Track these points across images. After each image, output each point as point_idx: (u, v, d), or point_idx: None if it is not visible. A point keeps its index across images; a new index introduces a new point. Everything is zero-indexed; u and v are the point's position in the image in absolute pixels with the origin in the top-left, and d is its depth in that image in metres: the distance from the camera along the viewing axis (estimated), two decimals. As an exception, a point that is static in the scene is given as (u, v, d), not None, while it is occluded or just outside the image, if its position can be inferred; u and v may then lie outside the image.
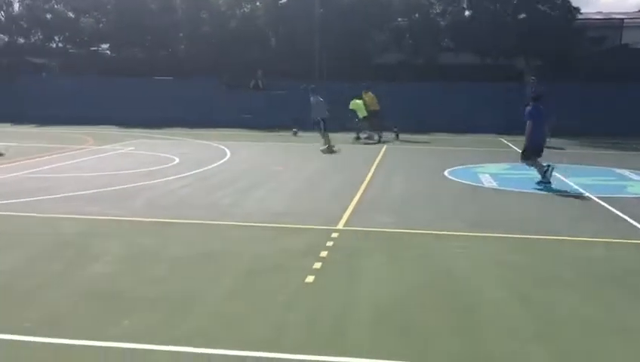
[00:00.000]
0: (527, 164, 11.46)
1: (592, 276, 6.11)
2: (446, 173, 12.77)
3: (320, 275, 5.85)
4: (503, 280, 5.86)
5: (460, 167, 13.68)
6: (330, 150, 16.72)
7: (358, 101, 19.72)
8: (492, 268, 6.26)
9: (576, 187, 11.09)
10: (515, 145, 17.59)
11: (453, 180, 11.92)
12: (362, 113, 19.61)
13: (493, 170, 13.37)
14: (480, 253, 6.82)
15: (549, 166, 11.13)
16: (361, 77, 25.87)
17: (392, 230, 7.73)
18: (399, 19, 28.50)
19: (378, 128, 19.86)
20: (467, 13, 28.57)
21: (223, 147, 17.22)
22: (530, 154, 11.18)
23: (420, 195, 10.35)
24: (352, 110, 19.72)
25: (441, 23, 28.15)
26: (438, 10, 28.57)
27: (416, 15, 28.01)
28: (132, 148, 16.94)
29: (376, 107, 19.89)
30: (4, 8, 31.14)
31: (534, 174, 11.41)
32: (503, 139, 20.54)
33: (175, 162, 13.99)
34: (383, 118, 20.15)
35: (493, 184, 11.47)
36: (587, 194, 10.44)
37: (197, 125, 23.48)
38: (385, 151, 17.18)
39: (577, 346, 4.48)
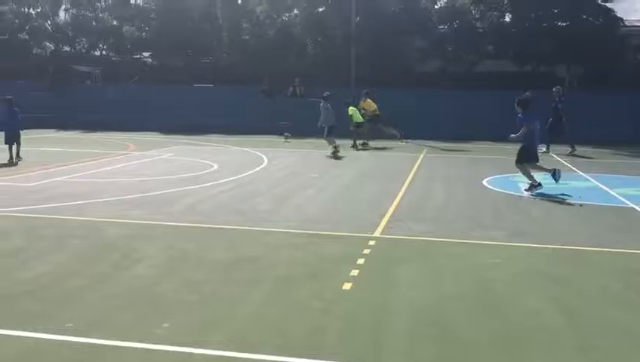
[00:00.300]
0: (520, 170, 11.43)
1: (638, 289, 5.94)
2: (485, 181, 12.60)
3: (357, 282, 5.84)
4: (545, 292, 5.74)
5: (500, 175, 13.47)
6: (335, 156, 16.96)
7: (353, 108, 20.04)
8: (533, 279, 6.15)
9: (620, 198, 10.80)
10: (555, 154, 17.26)
11: (492, 189, 11.75)
12: (357, 119, 19.91)
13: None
14: (520, 264, 6.70)
15: (555, 170, 11.21)
16: (400, 85, 25.85)
17: (430, 239, 7.66)
18: (439, 26, 28.35)
19: (380, 132, 20.22)
20: (507, 19, 28.24)
21: (260, 154, 17.37)
22: (524, 160, 11.25)
23: (458, 204, 10.24)
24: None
25: (481, 29, 27.87)
26: (477, 16, 28.31)
27: (457, 22, 27.81)
28: (172, 154, 17.24)
29: (376, 112, 20.24)
30: (51, 17, 32.18)
31: (576, 184, 11.16)
32: (543, 148, 20.13)
33: (214, 168, 14.17)
34: (384, 123, 20.44)
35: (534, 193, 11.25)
36: (632, 205, 10.15)
37: (235, 132, 23.73)
38: (422, 158, 17.06)
39: (622, 361, 4.36)
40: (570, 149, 18.40)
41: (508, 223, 8.76)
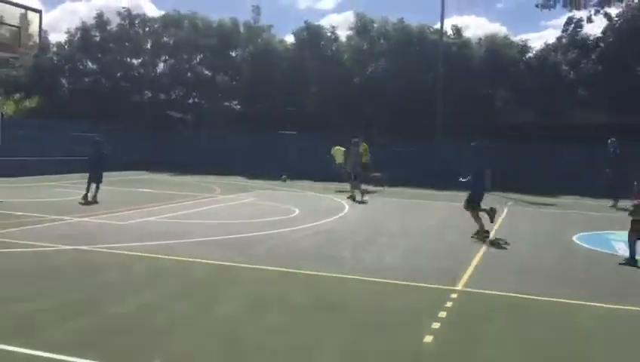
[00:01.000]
0: (469, 210, 11.87)
1: None
2: (575, 238, 12.06)
3: (439, 336, 5.71)
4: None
5: (591, 232, 12.86)
6: (354, 198, 17.53)
7: (338, 148, 21.15)
8: (635, 347, 5.76)
9: None
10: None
11: (582, 246, 11.22)
12: (339, 159, 20.88)
13: (629, 237, 12.38)
14: (618, 328, 6.31)
15: (491, 208, 11.86)
16: (485, 136, 25.47)
17: (516, 295, 7.38)
18: (527, 78, 27.90)
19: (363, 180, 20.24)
20: (599, 67, 27.37)
21: (341, 201, 17.51)
22: (472, 203, 11.80)
23: (545, 260, 9.84)
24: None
25: (572, 77, 27.13)
26: (566, 67, 27.65)
27: (546, 74, 27.27)
28: (255, 198, 17.72)
29: (364, 159, 20.55)
30: (151, 68, 34.49)
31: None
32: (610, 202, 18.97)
33: (295, 213, 14.42)
34: (368, 170, 20.86)
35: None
36: None
37: (318, 178, 24.09)
38: (507, 211, 16.59)
39: None
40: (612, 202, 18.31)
41: (601, 283, 8.30)
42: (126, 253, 9.07)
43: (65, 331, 5.52)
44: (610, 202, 18.48)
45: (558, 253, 10.53)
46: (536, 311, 6.85)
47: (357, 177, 18.13)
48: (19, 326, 5.58)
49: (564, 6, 28.86)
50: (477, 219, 11.61)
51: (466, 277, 8.17)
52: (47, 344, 5.08)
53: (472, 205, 11.78)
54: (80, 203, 14.90)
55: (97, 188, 15.55)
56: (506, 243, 11.25)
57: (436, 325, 6.02)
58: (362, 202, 17.35)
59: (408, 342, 5.55)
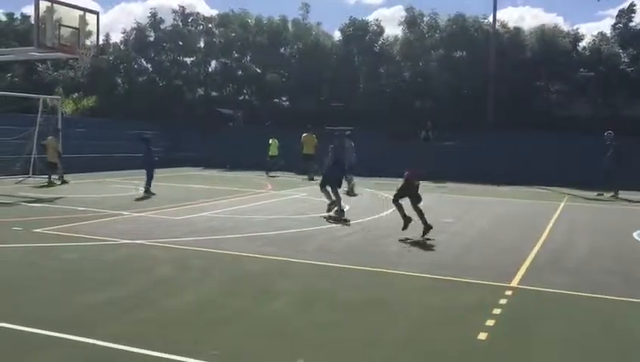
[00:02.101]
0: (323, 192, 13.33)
1: None
2: (635, 234, 11.62)
3: (493, 333, 5.61)
4: None
5: (653, 228, 12.36)
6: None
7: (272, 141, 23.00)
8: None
9: None
10: None
11: (644, 243, 10.80)
12: (273, 152, 22.88)
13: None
14: (679, 327, 6.06)
15: (342, 210, 13.07)
16: (539, 129, 24.87)
17: (573, 293, 7.18)
18: (581, 70, 27.01)
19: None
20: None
21: (390, 196, 17.38)
22: (327, 184, 13.27)
23: (604, 257, 9.52)
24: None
25: (632, 72, 26.10)
26: (626, 60, 26.61)
27: (602, 67, 26.33)
28: (305, 194, 17.81)
29: (311, 151, 21.98)
30: (204, 66, 35.16)
31: None
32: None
33: (345, 209, 14.40)
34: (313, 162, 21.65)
35: (695, 250, 10.18)
36: None
37: (368, 174, 24.01)
38: (563, 206, 16.14)
39: None
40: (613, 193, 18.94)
41: (663, 281, 7.98)
42: (179, 247, 9.29)
43: (123, 323, 5.72)
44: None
45: (616, 249, 10.17)
46: (591, 309, 6.64)
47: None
48: (79, 317, 5.82)
49: None
50: (333, 195, 13.26)
51: (521, 274, 8.00)
52: (106, 335, 5.27)
53: (324, 186, 13.41)
54: (137, 199, 15.35)
55: (149, 182, 16.18)
56: (564, 239, 10.94)
57: (490, 322, 5.92)
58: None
59: (462, 338, 5.48)
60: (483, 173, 23.24)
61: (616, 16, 28.03)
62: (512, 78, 26.11)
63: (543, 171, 22.80)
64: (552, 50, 27.07)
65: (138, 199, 15.33)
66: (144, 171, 16.68)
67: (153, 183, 16.51)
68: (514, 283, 7.55)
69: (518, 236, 11.26)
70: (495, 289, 7.22)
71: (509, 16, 48.78)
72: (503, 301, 6.70)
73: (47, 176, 19.08)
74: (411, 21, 30.61)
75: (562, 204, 16.77)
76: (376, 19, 31.99)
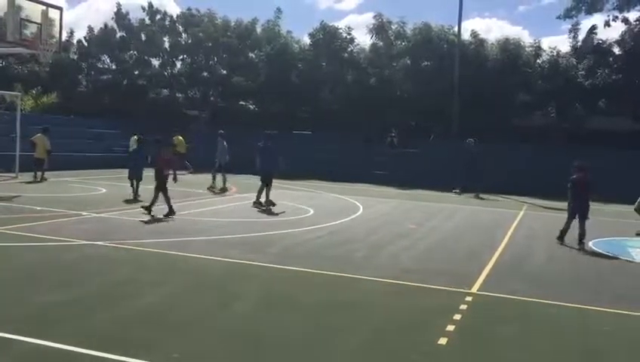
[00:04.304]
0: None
1: None
2: (591, 243, 11.96)
3: (453, 338, 5.71)
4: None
5: (607, 238, 12.74)
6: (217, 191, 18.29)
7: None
8: (645, 351, 5.74)
9: None
10: None
11: (598, 251, 11.12)
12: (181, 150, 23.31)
13: (646, 243, 12.29)
14: (630, 334, 6.27)
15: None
16: (502, 138, 25.40)
17: (530, 299, 7.36)
18: (539, 82, 27.72)
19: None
20: (619, 75, 27.12)
21: (356, 201, 17.51)
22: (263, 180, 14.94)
23: (561, 265, 9.79)
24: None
25: (588, 85, 26.90)
26: (583, 72, 27.42)
27: (560, 79, 27.08)
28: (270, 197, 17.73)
29: (183, 150, 23.42)
30: (169, 67, 34.72)
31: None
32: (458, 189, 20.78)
33: (310, 213, 14.46)
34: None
35: (646, 259, 10.55)
36: None
37: (332, 178, 24.12)
38: (523, 215, 16.52)
39: None
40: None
41: (617, 289, 8.24)
42: (140, 248, 9.16)
43: (81, 325, 5.61)
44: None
45: (572, 257, 10.47)
46: (548, 315, 6.82)
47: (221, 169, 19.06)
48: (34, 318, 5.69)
49: (587, 13, 28.69)
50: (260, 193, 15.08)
51: (481, 280, 8.15)
52: (64, 337, 5.16)
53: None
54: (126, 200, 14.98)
55: (137, 185, 15.56)
56: (522, 246, 11.20)
57: (451, 327, 6.02)
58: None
59: (422, 343, 5.57)
60: (445, 180, 23.58)
61: (571, 29, 28.93)
62: (475, 87, 26.61)
63: (503, 179, 23.25)
64: (514, 61, 27.71)
65: (109, 201, 15.05)
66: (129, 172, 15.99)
67: (121, 184, 16.16)
68: (474, 289, 7.69)
69: (479, 242, 11.47)
70: (455, 295, 7.35)
71: (476, 27, 49.79)
72: (463, 306, 6.82)
73: (33, 173, 19.27)
74: (379, 29, 30.88)
75: (521, 212, 17.14)
76: (347, 26, 32.19)
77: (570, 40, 28.92)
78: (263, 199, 15.21)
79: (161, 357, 4.84)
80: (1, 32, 15.54)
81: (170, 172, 13.42)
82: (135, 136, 23.87)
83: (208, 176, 19.78)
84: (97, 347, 4.96)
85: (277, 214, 14.06)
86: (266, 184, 15.16)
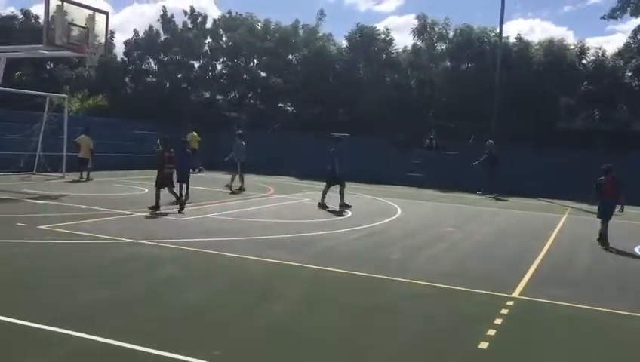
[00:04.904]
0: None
1: None
2: (637, 249, 11.64)
3: (494, 343, 5.64)
4: None
5: (655, 244, 12.36)
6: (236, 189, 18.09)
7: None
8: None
9: None
10: None
11: (645, 258, 10.81)
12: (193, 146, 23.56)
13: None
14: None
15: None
16: (542, 141, 24.91)
17: (574, 305, 7.20)
18: (584, 83, 27.07)
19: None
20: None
21: (394, 204, 17.44)
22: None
23: (605, 270, 9.57)
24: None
25: (635, 86, 26.15)
26: (630, 73, 26.66)
27: (606, 80, 26.39)
28: (308, 199, 17.85)
29: (195, 146, 24.31)
30: (210, 69, 35.25)
31: None
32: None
33: (348, 215, 14.46)
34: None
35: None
36: None
37: (369, 180, 24.06)
38: (566, 219, 16.17)
39: None
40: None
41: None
42: (182, 248, 9.33)
43: (126, 320, 5.76)
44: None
45: (618, 263, 10.20)
46: (593, 322, 6.67)
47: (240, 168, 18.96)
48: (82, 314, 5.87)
49: (632, 14, 27.92)
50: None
51: (522, 285, 8.02)
52: (109, 331, 5.30)
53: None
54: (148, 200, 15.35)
55: (187, 187, 15.16)
56: (566, 251, 10.97)
57: (491, 332, 5.94)
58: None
59: (462, 347, 5.52)
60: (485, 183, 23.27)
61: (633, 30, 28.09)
62: (517, 90, 26.16)
63: (544, 183, 22.82)
64: (558, 63, 27.14)
65: (154, 201, 15.37)
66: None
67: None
68: (515, 293, 7.57)
69: (521, 246, 11.29)
70: (496, 299, 7.25)
71: (519, 28, 48.86)
72: (504, 311, 6.72)
73: (79, 173, 19.94)
74: (422, 30, 30.64)
75: (564, 216, 16.78)
76: (386, 28, 32.06)
77: (629, 39, 28.06)
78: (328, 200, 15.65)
79: (204, 354, 4.93)
80: (50, 36, 16.04)
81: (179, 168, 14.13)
82: (192, 134, 24.81)
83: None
84: (142, 342, 5.08)
85: (321, 215, 14.15)
86: (341, 185, 15.54)
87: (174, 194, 13.59)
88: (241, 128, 32.80)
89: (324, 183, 15.95)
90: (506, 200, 20.76)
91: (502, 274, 8.73)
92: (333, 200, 15.77)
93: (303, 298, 6.97)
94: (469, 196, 21.50)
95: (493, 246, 11.43)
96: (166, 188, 13.36)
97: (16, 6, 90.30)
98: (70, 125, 21.40)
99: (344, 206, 15.36)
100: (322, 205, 15.45)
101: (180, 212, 12.97)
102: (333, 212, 14.92)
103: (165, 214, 12.72)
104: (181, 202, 13.46)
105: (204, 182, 21.31)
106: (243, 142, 19.19)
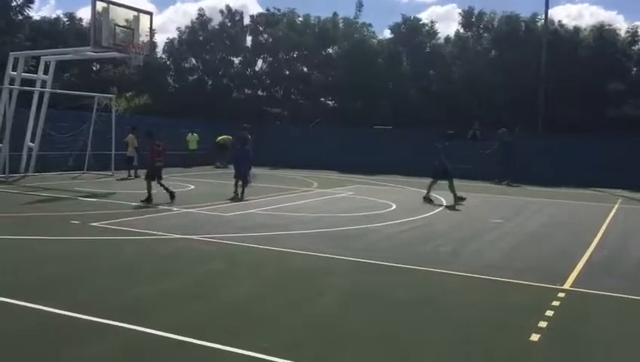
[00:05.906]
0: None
1: None
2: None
3: (546, 335, 5.52)
4: None
5: None
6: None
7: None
8: None
9: None
10: None
11: None
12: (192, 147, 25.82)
13: None
14: None
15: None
16: (590, 129, 24.19)
17: (627, 296, 6.98)
18: (634, 69, 26.12)
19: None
20: None
21: (438, 196, 17.22)
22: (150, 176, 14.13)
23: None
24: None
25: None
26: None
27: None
28: (352, 192, 17.82)
29: (194, 147, 25.85)
30: (251, 66, 35.57)
31: None
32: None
33: (392, 208, 14.39)
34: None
35: None
36: None
37: (413, 173, 23.82)
38: (617, 208, 15.67)
39: None
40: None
41: None
42: (231, 243, 9.46)
43: (177, 313, 5.88)
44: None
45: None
46: (652, 314, 6.45)
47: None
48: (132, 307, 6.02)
49: None
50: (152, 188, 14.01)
51: (573, 276, 7.83)
52: (161, 324, 5.42)
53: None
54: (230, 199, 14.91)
55: (244, 185, 15.13)
56: (618, 242, 10.64)
57: (543, 324, 5.82)
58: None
59: (514, 339, 5.43)
60: (532, 174, 22.76)
61: None
62: (564, 76, 25.45)
63: (594, 172, 22.15)
64: (608, 48, 26.27)
65: (199, 196, 15.65)
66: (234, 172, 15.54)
67: (207, 181, 16.75)
68: (566, 285, 7.39)
69: (571, 237, 11.02)
70: (547, 291, 7.09)
71: (568, 13, 47.42)
72: (555, 303, 6.57)
73: (126, 171, 20.72)
74: (468, 20, 30.12)
75: (616, 206, 16.27)
76: (431, 20, 31.68)
77: None
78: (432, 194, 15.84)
79: (252, 346, 4.98)
80: (97, 38, 16.46)
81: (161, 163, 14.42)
82: (192, 135, 25.49)
83: (282, 172, 20.02)
84: (191, 334, 5.18)
85: (368, 209, 14.05)
86: (450, 181, 15.60)
87: (163, 186, 14.20)
88: (282, 123, 33.15)
89: (431, 178, 15.98)
90: (518, 186, 21.42)
91: (553, 266, 8.53)
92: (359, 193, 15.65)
93: (349, 291, 6.97)
94: (517, 188, 21.03)
95: (542, 237, 11.18)
96: (155, 179, 14.12)
97: (62, 10, 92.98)
98: (117, 124, 21.93)
99: (459, 199, 15.40)
100: (427, 199, 15.54)
101: (171, 200, 13.81)
102: (377, 206, 14.85)
103: (193, 210, 12.91)
104: (170, 192, 14.09)
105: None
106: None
